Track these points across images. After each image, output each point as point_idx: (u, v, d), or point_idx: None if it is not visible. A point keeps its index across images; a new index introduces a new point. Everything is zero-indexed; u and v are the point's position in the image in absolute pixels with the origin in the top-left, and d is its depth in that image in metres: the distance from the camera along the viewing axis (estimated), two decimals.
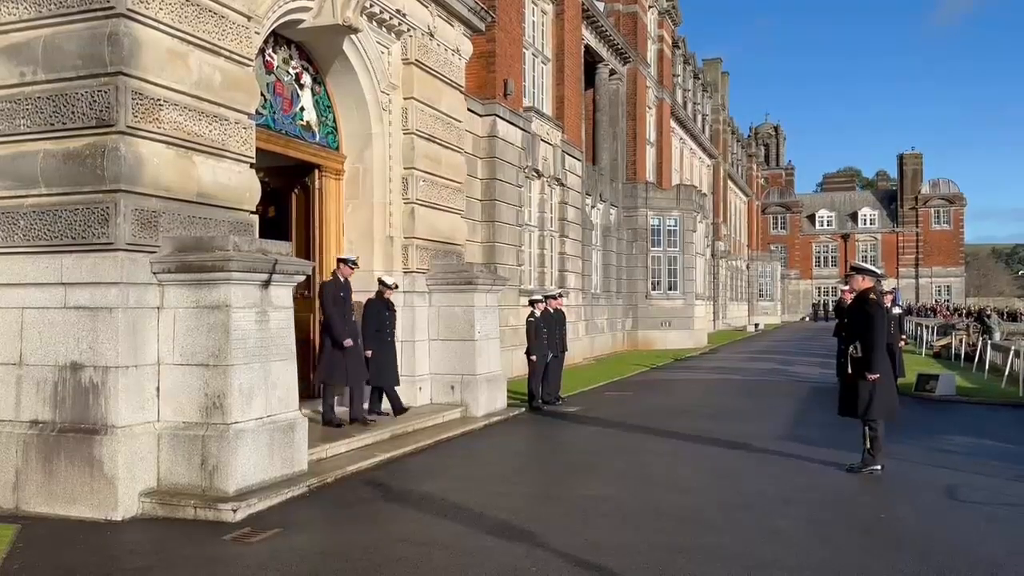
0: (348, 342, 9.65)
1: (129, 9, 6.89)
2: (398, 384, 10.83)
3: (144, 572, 5.38)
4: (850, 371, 8.41)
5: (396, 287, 11.00)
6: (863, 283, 8.57)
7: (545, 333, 13.42)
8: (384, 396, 10.76)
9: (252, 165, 8.38)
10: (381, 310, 10.64)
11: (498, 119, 17.59)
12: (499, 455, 9.51)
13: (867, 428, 8.35)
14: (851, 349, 8.39)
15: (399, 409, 10.71)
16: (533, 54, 20.89)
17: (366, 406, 10.35)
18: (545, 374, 13.51)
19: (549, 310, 13.78)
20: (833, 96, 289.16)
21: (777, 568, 5.36)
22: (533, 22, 20.94)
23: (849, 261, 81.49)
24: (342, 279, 9.97)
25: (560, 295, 15.08)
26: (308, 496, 7.25)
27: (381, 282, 10.73)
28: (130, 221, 6.88)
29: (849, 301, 8.95)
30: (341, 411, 9.97)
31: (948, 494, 7.51)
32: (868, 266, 9.01)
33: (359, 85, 11.01)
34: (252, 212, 8.31)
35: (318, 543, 5.97)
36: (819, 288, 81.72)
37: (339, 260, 10.17)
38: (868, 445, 8.35)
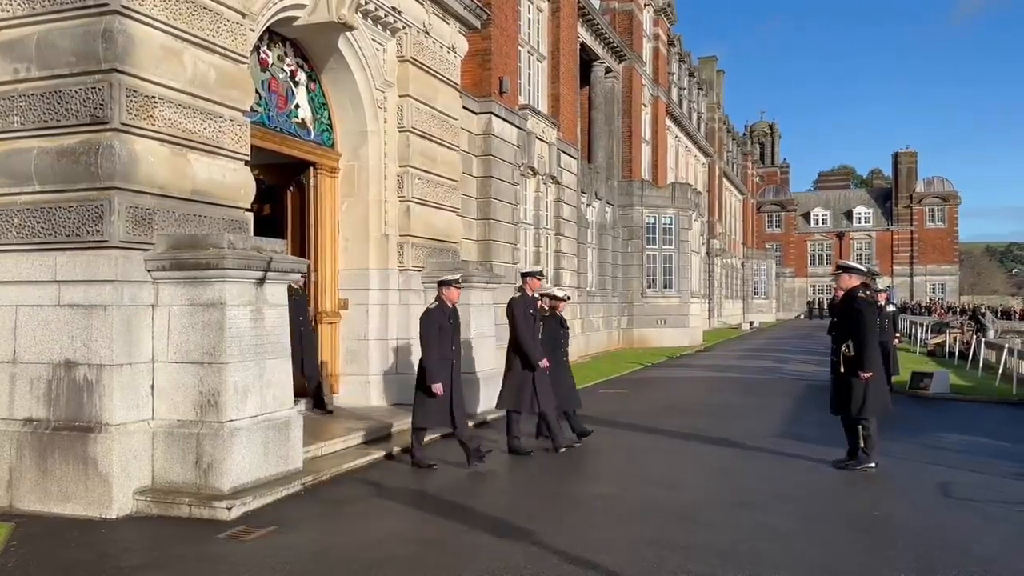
0: (544, 363, 9.05)
1: (123, 6, 6.87)
2: (580, 406, 10.17)
3: (139, 570, 5.36)
4: (842, 369, 8.42)
5: (568, 299, 10.38)
6: (850, 281, 8.59)
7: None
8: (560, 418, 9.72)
9: (247, 163, 8.36)
10: (555, 327, 9.91)
11: (494, 117, 17.58)
12: (494, 452, 9.49)
13: (860, 426, 8.37)
14: (843, 348, 8.41)
15: (582, 432, 9.91)
16: (529, 52, 20.87)
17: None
18: None
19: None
20: (828, 95, 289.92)
21: (772, 565, 5.37)
22: (529, 19, 20.92)
23: (843, 259, 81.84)
24: (531, 294, 9.32)
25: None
26: (303, 494, 7.24)
27: (552, 296, 10.03)
28: (124, 219, 6.87)
29: (855, 298, 8.83)
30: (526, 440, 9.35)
31: (942, 492, 7.53)
32: (855, 264, 9.03)
33: (354, 83, 10.99)
34: (247, 210, 8.30)
35: (313, 541, 5.96)
36: (814, 286, 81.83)
37: (524, 274, 9.54)
38: (862, 443, 8.37)
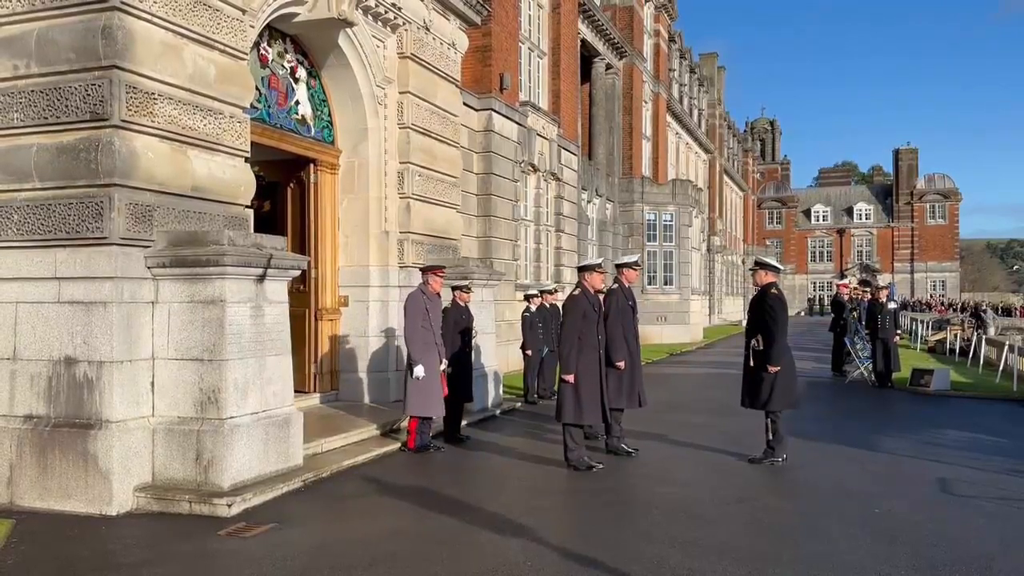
0: (621, 364, 8.79)
1: (123, 2, 6.86)
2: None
3: (139, 567, 5.37)
4: (752, 364, 8.59)
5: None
6: (766, 277, 8.74)
7: (540, 328, 13.44)
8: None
9: (247, 159, 8.36)
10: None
11: (494, 113, 17.57)
12: (493, 449, 9.50)
13: (769, 420, 8.45)
14: (752, 342, 8.62)
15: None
16: (529, 48, 20.84)
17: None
18: (540, 368, 13.53)
19: (544, 305, 13.80)
20: (829, 92, 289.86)
21: (771, 561, 5.37)
22: (529, 16, 20.89)
23: (844, 256, 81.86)
24: (627, 284, 8.94)
25: (555, 290, 15.09)
26: (303, 491, 7.24)
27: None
28: (124, 215, 6.86)
29: (767, 294, 8.74)
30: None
31: (942, 488, 7.54)
32: (771, 261, 9.14)
33: (354, 79, 10.98)
34: (247, 206, 8.29)
35: (313, 538, 5.96)
36: (814, 283, 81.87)
37: (619, 265, 9.19)
38: (770, 436, 8.49)
